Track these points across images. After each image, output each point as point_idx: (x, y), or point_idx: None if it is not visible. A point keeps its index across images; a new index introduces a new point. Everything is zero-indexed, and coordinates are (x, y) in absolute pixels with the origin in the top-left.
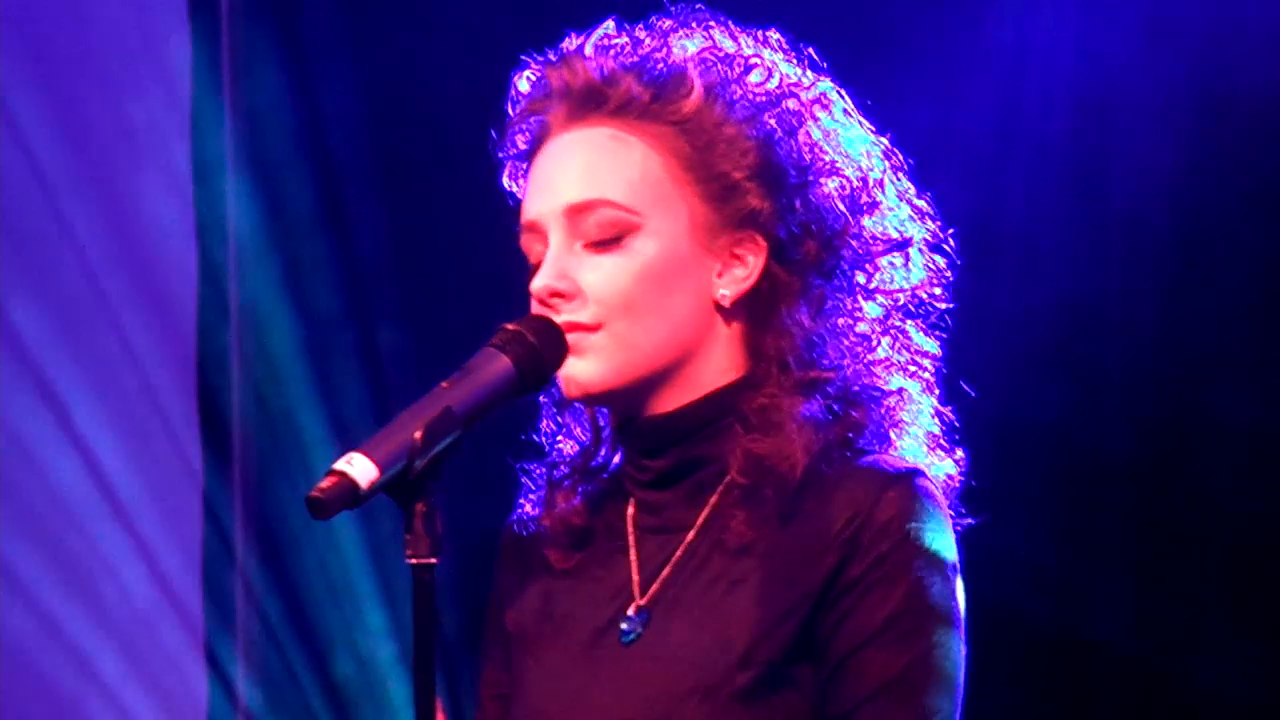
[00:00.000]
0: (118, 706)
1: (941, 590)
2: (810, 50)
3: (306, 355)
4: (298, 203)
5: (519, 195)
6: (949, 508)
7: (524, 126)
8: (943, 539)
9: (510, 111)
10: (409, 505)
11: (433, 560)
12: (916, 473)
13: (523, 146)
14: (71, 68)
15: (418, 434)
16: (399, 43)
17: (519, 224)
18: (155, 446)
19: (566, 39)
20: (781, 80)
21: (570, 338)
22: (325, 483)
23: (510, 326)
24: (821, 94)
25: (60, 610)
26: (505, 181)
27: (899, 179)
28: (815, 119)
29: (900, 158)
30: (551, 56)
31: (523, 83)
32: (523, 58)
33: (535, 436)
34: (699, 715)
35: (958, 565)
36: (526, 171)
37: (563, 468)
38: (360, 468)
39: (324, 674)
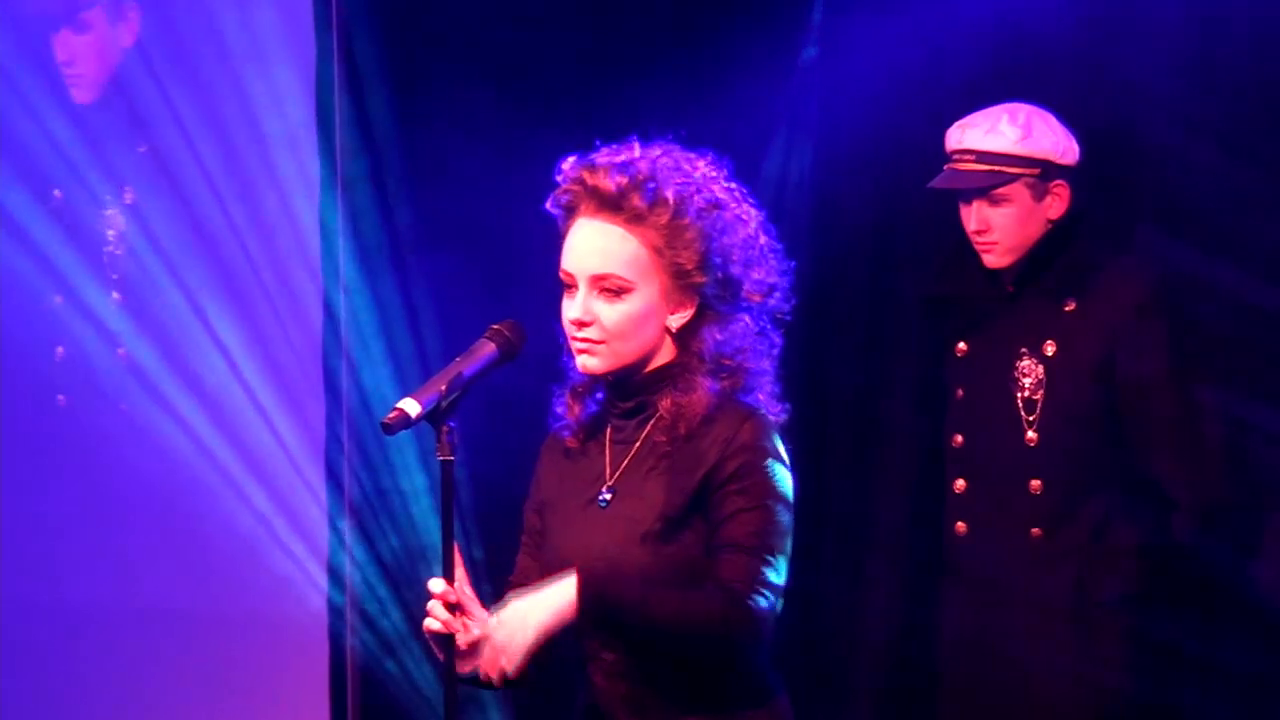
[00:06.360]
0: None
1: (777, 477)
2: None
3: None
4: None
5: (561, 229)
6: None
7: (567, 193)
8: (777, 450)
9: (558, 180)
10: (438, 427)
11: (451, 458)
12: (763, 413)
13: (563, 200)
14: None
15: (443, 387)
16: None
17: (560, 266)
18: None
19: (597, 148)
20: (717, 195)
21: (584, 345)
22: (391, 414)
23: (496, 326)
24: (737, 200)
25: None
26: (548, 208)
27: (766, 235)
28: (735, 220)
29: (765, 216)
30: (589, 160)
31: (569, 167)
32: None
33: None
34: (639, 550)
35: (788, 465)
36: (563, 220)
37: (576, 389)
38: (410, 406)
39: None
